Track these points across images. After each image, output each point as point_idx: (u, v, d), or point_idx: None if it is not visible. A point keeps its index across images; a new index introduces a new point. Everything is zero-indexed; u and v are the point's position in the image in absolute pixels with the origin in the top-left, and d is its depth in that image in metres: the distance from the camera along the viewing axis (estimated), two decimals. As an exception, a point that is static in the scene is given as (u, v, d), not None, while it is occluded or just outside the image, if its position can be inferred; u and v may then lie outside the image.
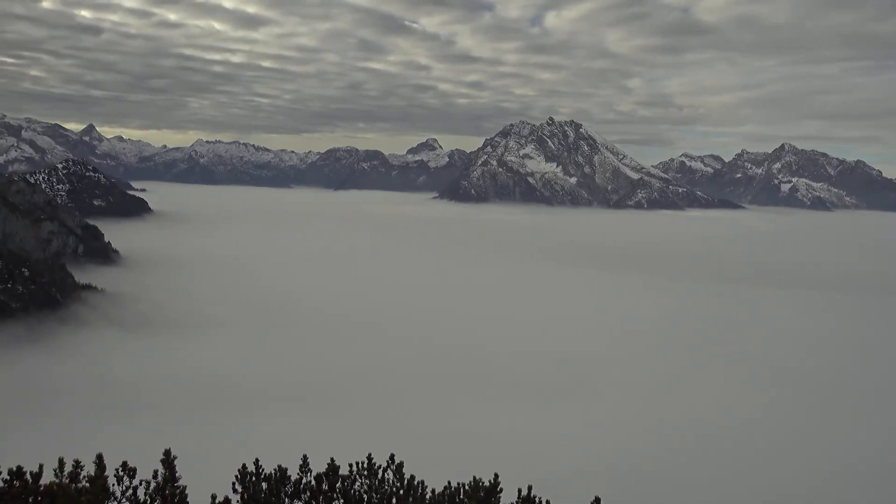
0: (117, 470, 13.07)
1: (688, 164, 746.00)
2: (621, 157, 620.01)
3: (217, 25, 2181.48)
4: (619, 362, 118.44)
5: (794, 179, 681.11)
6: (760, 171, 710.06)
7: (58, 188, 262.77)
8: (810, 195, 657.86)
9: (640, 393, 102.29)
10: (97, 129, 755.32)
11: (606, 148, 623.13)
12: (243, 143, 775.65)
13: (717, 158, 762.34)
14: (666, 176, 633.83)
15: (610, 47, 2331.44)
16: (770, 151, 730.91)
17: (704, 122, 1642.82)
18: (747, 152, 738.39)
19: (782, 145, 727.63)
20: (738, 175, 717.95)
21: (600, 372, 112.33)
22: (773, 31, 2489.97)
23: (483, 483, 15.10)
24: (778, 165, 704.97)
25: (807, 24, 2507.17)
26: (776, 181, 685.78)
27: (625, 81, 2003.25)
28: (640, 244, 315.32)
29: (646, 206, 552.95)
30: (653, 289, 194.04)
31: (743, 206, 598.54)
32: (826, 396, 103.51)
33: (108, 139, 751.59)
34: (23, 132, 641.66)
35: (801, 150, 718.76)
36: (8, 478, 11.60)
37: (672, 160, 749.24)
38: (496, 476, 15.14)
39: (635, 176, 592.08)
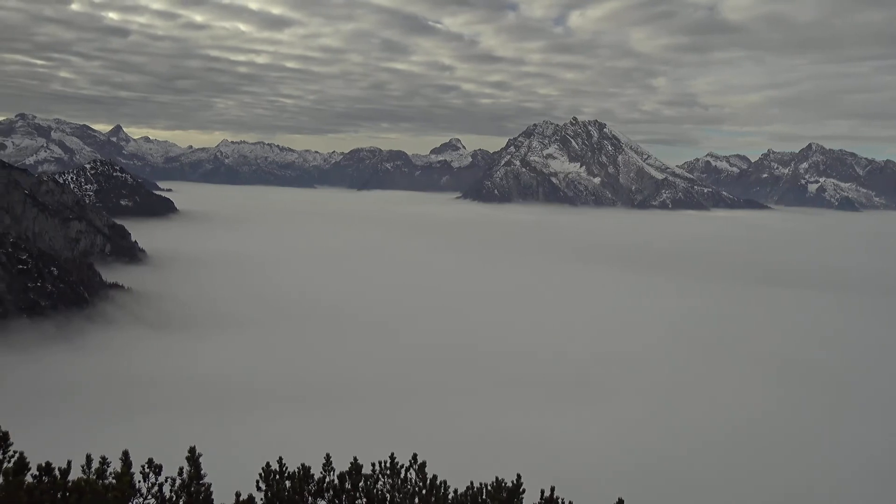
0: (143, 467, 13.21)
1: (713, 163, 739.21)
2: (645, 156, 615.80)
3: (242, 27, 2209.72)
4: (641, 362, 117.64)
5: (822, 179, 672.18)
6: (787, 171, 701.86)
7: (86, 188, 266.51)
8: (838, 195, 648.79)
9: (662, 393, 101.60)
10: (124, 129, 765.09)
11: (630, 148, 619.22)
12: (268, 144, 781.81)
13: (743, 158, 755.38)
14: (691, 176, 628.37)
15: (635, 46, 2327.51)
16: (797, 151, 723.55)
17: (730, 122, 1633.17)
18: (774, 152, 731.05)
19: (809, 145, 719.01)
20: (765, 175, 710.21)
21: (622, 372, 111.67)
22: (801, 30, 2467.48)
23: (506, 484, 15.09)
24: (805, 165, 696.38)
25: (835, 23, 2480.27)
26: (803, 181, 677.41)
27: (649, 81, 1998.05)
28: (664, 244, 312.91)
29: (670, 206, 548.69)
30: (676, 289, 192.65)
31: (769, 206, 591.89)
32: (846, 397, 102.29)
33: (135, 140, 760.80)
34: (52, 133, 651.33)
35: (829, 149, 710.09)
36: (37, 473, 11.78)
37: (697, 160, 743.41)
38: (519, 477, 15.11)
39: (660, 176, 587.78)
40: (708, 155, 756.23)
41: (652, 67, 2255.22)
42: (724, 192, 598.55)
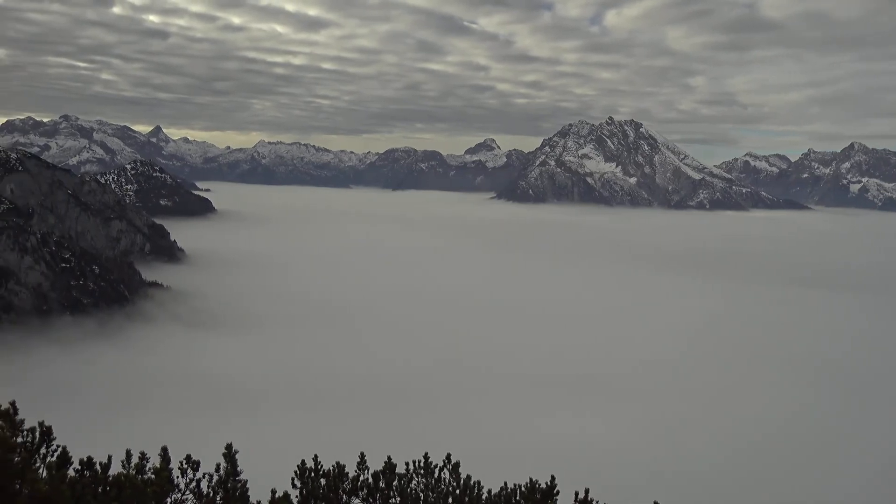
0: (181, 462, 13.39)
1: (752, 163, 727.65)
2: (682, 156, 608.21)
3: (279, 28, 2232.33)
4: (677, 365, 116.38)
5: (865, 179, 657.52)
6: (828, 171, 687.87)
7: (126, 188, 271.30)
8: (881, 196, 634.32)
9: (697, 396, 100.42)
10: (164, 130, 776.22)
11: (667, 147, 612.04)
12: (304, 144, 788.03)
13: (782, 158, 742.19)
14: (729, 176, 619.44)
15: (671, 45, 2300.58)
16: (839, 151, 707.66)
17: (770, 121, 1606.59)
18: (814, 152, 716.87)
19: (851, 144, 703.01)
20: (805, 175, 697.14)
21: (657, 374, 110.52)
22: (843, 27, 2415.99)
23: (539, 485, 15.01)
24: (847, 165, 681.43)
25: (878, 20, 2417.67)
26: (845, 181, 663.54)
27: (687, 80, 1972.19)
28: (701, 245, 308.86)
29: (708, 206, 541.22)
30: (714, 290, 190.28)
31: (810, 207, 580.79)
32: (883, 400, 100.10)
33: (174, 140, 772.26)
34: (94, 134, 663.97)
35: (872, 149, 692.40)
36: (79, 467, 12.01)
37: (736, 160, 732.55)
38: (553, 478, 15.02)
39: (697, 176, 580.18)
40: (747, 155, 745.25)
41: (689, 66, 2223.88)
42: (763, 193, 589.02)
